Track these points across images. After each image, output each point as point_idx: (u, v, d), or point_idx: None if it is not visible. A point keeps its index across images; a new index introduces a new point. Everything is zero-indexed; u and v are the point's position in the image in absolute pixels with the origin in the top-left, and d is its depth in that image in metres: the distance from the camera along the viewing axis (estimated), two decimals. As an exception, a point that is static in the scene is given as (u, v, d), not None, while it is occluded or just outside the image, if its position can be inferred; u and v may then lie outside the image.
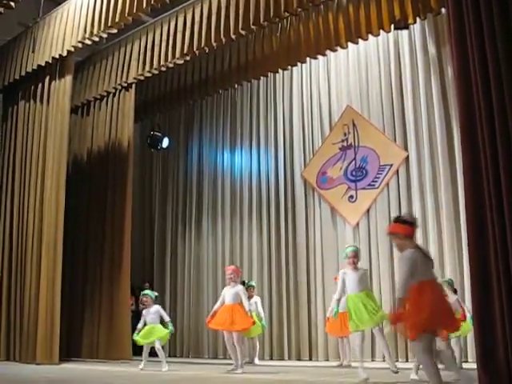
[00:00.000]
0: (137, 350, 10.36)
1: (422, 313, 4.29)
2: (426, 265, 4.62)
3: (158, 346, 8.41)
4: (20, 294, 10.43)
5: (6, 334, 10.46)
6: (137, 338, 8.50)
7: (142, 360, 8.53)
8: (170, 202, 13.45)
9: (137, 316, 11.85)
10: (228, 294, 8.22)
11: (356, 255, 7.06)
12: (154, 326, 8.49)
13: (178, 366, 9.20)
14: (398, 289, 4.61)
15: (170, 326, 8.56)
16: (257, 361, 9.95)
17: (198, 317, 12.14)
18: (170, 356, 12.19)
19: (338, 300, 7.22)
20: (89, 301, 11.19)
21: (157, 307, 8.64)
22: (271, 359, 10.93)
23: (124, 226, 11.30)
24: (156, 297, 8.95)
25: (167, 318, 8.65)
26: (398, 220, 4.81)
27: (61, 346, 10.04)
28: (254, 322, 8.31)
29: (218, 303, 8.33)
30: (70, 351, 10.90)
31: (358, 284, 6.85)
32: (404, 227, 4.70)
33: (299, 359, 10.65)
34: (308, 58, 10.46)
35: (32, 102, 11.12)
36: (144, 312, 8.68)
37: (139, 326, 8.59)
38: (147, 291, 9.01)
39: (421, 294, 4.38)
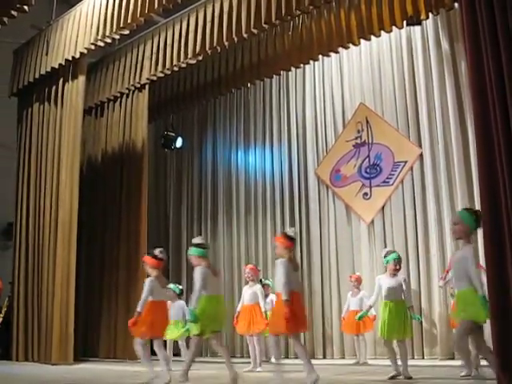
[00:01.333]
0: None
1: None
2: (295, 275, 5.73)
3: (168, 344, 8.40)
4: (37, 295, 10.51)
5: (24, 334, 10.56)
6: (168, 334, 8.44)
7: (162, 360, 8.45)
8: (185, 202, 13.47)
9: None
10: (246, 293, 8.35)
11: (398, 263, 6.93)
12: (177, 322, 8.44)
13: (198, 365, 9.20)
14: (282, 291, 5.38)
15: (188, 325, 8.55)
16: (273, 359, 9.92)
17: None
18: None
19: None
20: (106, 301, 11.24)
21: (182, 303, 8.62)
22: (286, 357, 10.88)
23: (140, 227, 11.33)
24: (181, 291, 8.89)
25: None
26: (283, 234, 5.89)
27: (77, 345, 10.12)
28: (267, 324, 8.29)
29: (240, 303, 8.50)
30: (86, 351, 10.98)
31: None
32: (286, 241, 5.71)
33: (313, 357, 10.61)
34: (320, 56, 10.42)
35: (46, 103, 11.19)
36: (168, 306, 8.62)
37: None
38: (170, 285, 8.90)
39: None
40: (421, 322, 9.36)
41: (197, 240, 6.34)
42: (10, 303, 11.00)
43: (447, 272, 7.71)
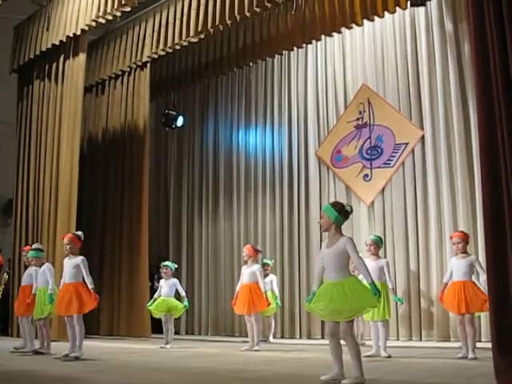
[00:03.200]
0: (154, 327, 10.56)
1: None
2: None
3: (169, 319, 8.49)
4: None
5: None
6: (151, 308, 8.53)
7: (163, 338, 8.56)
8: (186, 181, 13.46)
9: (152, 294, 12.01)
10: (245, 273, 8.29)
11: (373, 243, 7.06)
12: (166, 299, 8.49)
13: (196, 344, 9.28)
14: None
15: (185, 302, 8.58)
16: (271, 339, 10.01)
17: (215, 295, 12.24)
18: (187, 334, 12.35)
19: None
20: (107, 281, 11.33)
21: (175, 280, 8.63)
22: (282, 337, 10.98)
23: (141, 207, 11.39)
24: (176, 269, 8.96)
25: (183, 293, 8.65)
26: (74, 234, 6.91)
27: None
28: (269, 304, 8.36)
29: (239, 283, 8.44)
30: (87, 328, 11.02)
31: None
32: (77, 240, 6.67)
33: (310, 337, 10.69)
34: (323, 36, 10.35)
35: (47, 81, 11.16)
36: (161, 283, 8.68)
37: (155, 295, 8.63)
38: (167, 262, 8.89)
39: None
40: (419, 304, 9.43)
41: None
42: (8, 280, 11.04)
43: None
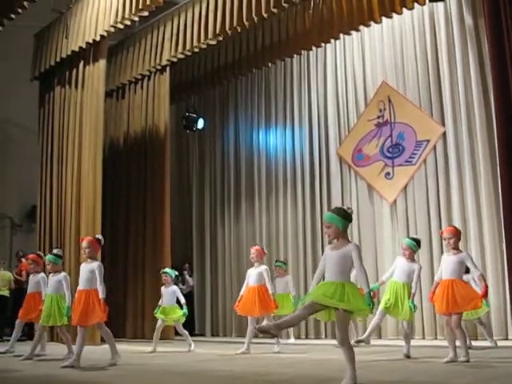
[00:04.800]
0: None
1: None
2: None
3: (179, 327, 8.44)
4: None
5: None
6: (158, 315, 8.41)
7: (185, 340, 8.50)
8: (208, 183, 13.51)
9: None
10: (252, 274, 8.03)
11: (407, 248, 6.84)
12: (168, 307, 8.35)
13: (219, 346, 9.28)
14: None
15: (185, 309, 8.32)
16: (292, 340, 9.94)
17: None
18: (212, 336, 12.39)
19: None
20: (132, 284, 11.39)
21: (174, 288, 8.42)
22: (307, 338, 10.98)
23: (164, 209, 11.46)
24: (176, 276, 8.78)
25: (183, 300, 8.38)
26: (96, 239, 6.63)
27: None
28: (277, 306, 8.09)
29: (244, 286, 8.14)
30: (113, 332, 11.10)
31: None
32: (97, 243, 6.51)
33: (335, 337, 10.60)
34: (341, 34, 10.29)
35: (67, 87, 11.25)
36: (162, 290, 8.50)
37: (160, 302, 8.50)
38: (167, 269, 8.73)
39: None
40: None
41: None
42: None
43: None
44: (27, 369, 6.08)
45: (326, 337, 10.96)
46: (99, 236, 6.78)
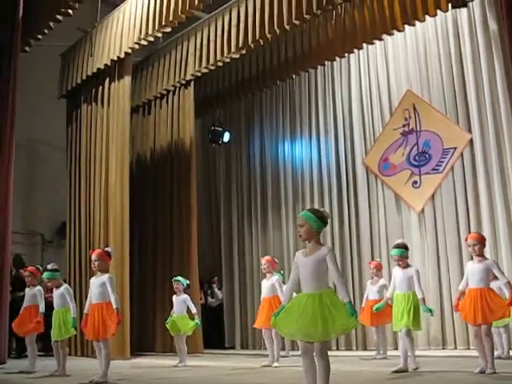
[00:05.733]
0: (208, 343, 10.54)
1: None
2: None
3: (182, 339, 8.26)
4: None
5: (80, 330, 10.76)
6: (168, 326, 8.27)
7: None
8: (235, 196, 13.54)
9: (205, 310, 12.07)
10: (264, 286, 7.97)
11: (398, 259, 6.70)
12: (179, 317, 8.19)
13: (249, 358, 9.23)
14: None
15: (197, 319, 8.21)
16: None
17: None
18: (242, 348, 12.36)
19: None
20: (159, 296, 11.41)
21: (185, 296, 8.27)
22: (337, 349, 10.85)
23: (191, 223, 11.49)
24: (188, 285, 8.66)
25: (194, 310, 8.23)
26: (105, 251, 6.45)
27: (133, 340, 10.28)
28: None
29: (261, 298, 8.05)
30: (143, 345, 11.18)
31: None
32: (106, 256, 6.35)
33: (365, 349, 10.51)
34: (364, 44, 10.28)
35: (94, 104, 11.39)
36: (174, 299, 8.38)
37: (172, 312, 8.35)
38: (179, 277, 8.54)
39: None
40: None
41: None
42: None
43: None
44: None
45: (356, 348, 10.85)
46: (109, 248, 6.72)
